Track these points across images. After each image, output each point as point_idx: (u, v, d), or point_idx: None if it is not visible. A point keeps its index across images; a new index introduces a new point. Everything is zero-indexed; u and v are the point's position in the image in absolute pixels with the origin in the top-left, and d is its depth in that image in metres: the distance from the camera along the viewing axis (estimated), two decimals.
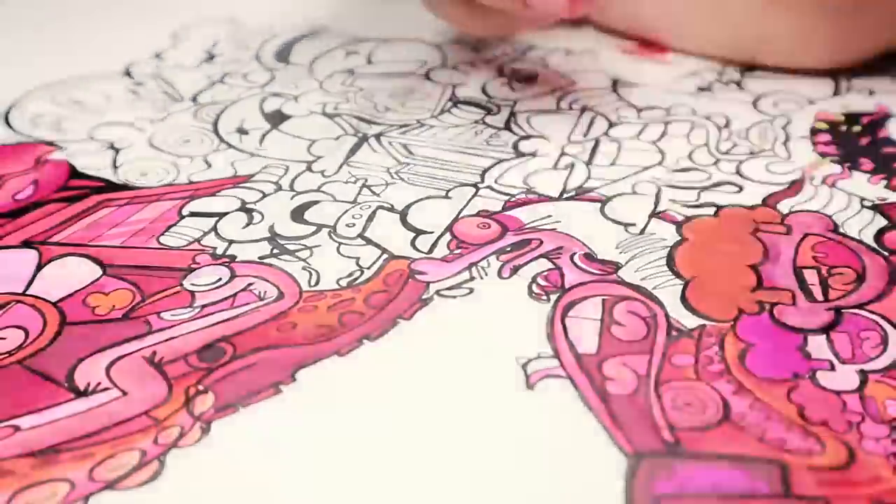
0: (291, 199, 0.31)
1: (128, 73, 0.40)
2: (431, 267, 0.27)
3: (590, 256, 0.28)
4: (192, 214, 0.30)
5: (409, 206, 0.30)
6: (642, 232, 0.29)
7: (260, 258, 0.28)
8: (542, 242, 0.28)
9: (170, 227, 0.30)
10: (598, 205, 0.30)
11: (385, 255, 0.28)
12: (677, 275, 0.27)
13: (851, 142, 0.34)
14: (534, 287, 0.27)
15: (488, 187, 0.31)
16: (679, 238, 0.29)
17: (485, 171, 0.32)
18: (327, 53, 0.40)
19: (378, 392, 0.23)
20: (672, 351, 0.24)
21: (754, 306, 0.26)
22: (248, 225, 0.29)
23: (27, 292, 0.27)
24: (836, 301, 0.26)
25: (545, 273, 0.27)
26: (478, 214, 0.30)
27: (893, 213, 0.30)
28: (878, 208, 0.30)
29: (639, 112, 0.36)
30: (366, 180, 0.32)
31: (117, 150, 0.34)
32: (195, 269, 0.27)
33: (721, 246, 0.28)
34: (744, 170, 0.32)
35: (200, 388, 0.23)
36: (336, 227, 0.29)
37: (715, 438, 0.21)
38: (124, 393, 0.23)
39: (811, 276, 0.27)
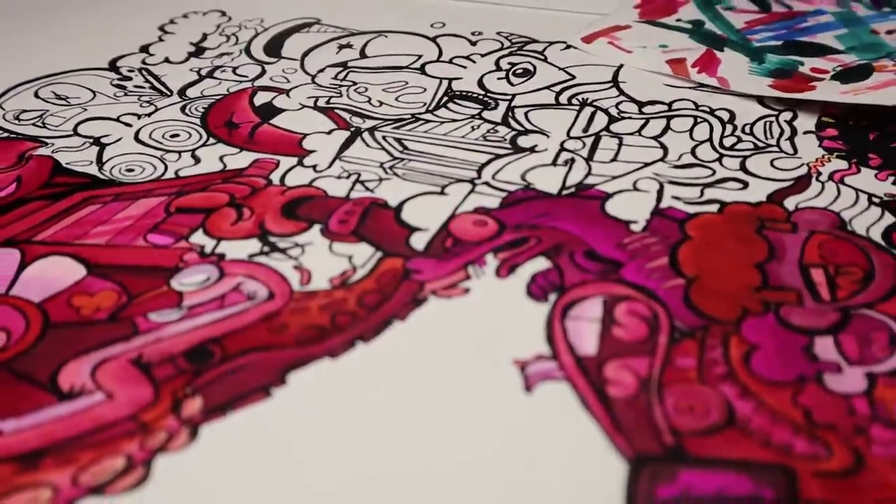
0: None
1: (114, 68, 0.40)
2: (426, 265, 0.27)
3: (590, 254, 0.27)
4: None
5: (403, 203, 0.30)
6: (644, 229, 0.29)
7: (250, 257, 0.28)
8: (540, 240, 0.28)
9: (157, 224, 0.29)
10: (599, 202, 0.30)
11: (379, 253, 0.27)
12: (680, 273, 0.27)
13: (859, 136, 0.34)
14: (532, 286, 0.26)
15: (485, 183, 0.31)
16: (682, 236, 0.28)
17: (481, 166, 0.32)
18: (320, 47, 0.40)
19: (371, 395, 0.23)
20: (675, 353, 0.24)
21: (759, 306, 0.25)
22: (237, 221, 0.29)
23: (10, 293, 0.26)
24: (843, 301, 0.26)
25: (544, 272, 0.27)
26: (474, 211, 0.30)
27: None
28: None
29: (640, 107, 0.35)
30: (359, 175, 0.31)
31: (103, 146, 0.34)
32: (182, 269, 0.27)
33: (725, 244, 0.28)
34: (749, 166, 0.32)
35: (188, 390, 0.23)
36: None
37: (719, 443, 0.21)
38: (109, 396, 0.23)
39: (818, 275, 0.26)
